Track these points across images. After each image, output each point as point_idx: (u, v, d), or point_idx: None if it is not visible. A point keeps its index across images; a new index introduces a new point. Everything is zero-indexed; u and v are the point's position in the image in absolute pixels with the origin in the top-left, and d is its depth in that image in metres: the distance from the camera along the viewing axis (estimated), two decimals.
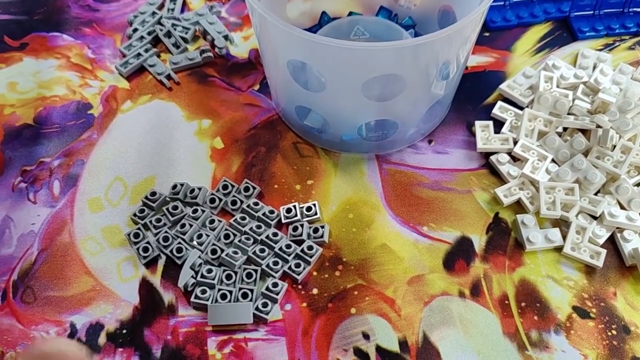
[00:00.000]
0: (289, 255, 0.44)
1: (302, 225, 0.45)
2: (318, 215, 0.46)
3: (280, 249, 0.44)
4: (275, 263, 0.44)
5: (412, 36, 0.52)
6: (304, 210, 0.46)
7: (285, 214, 0.46)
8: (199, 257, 0.44)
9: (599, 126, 0.47)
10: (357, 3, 0.56)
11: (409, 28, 0.54)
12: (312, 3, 0.54)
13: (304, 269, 0.43)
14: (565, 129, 0.49)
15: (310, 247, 0.44)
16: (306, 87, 0.43)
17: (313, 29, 0.54)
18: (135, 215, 0.46)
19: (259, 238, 0.45)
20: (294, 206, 0.46)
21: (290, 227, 0.45)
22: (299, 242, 0.44)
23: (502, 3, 0.57)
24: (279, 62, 0.44)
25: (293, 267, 0.44)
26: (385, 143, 0.48)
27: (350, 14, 0.55)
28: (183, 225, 0.45)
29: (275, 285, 0.42)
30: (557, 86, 0.51)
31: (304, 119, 0.48)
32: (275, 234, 0.45)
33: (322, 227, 0.45)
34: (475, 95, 0.52)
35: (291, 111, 0.48)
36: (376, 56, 0.39)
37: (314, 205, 0.46)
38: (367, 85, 0.41)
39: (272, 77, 0.49)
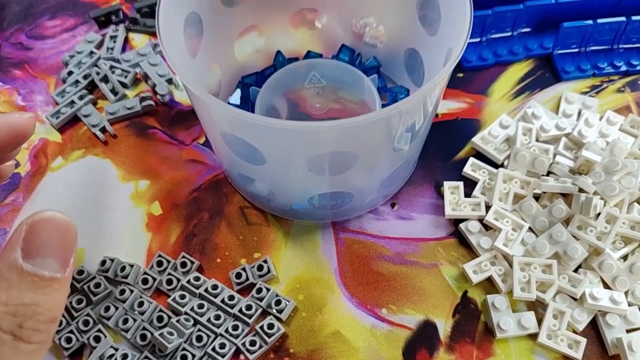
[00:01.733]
0: (249, 318, 0.39)
1: (267, 289, 0.40)
2: (273, 272, 0.41)
3: (241, 310, 0.40)
4: (235, 327, 0.39)
5: (376, 80, 0.47)
6: (255, 270, 0.41)
7: (236, 280, 0.41)
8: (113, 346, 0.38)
9: (581, 190, 0.42)
10: (316, 40, 0.50)
11: (372, 70, 0.48)
12: (266, 39, 0.49)
13: (260, 347, 0.38)
14: (544, 191, 0.44)
15: (270, 326, 0.39)
16: (244, 159, 0.38)
17: (267, 71, 0.49)
18: None
19: (201, 319, 0.40)
20: (244, 269, 0.41)
21: (254, 289, 0.41)
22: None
23: (478, 39, 0.51)
24: (213, 131, 0.39)
25: (248, 344, 0.39)
26: (342, 211, 0.43)
27: (309, 52, 0.50)
28: (107, 308, 0.40)
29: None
30: (537, 139, 0.46)
31: (249, 185, 0.42)
32: (231, 297, 0.40)
33: (288, 301, 0.40)
34: (445, 148, 0.47)
35: (234, 176, 0.43)
36: (318, 136, 0.33)
37: (265, 262, 0.41)
38: (312, 161, 0.36)
39: (210, 139, 0.43)
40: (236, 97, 0.48)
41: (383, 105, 0.46)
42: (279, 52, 0.49)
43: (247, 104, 0.47)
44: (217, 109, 0.33)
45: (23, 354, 0.25)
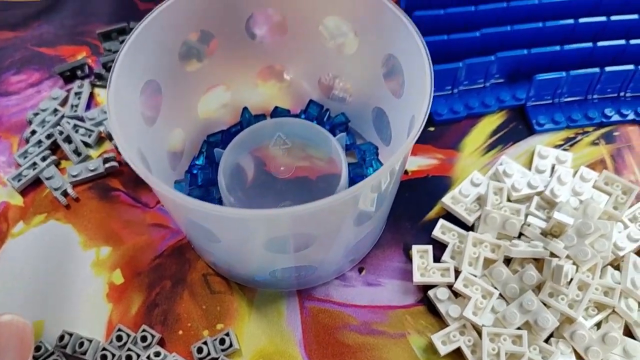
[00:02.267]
0: None
1: None
2: (235, 345, 0.40)
3: None
4: None
5: (344, 139, 0.46)
6: (217, 343, 0.40)
7: (197, 354, 0.40)
8: None
9: (553, 255, 0.41)
10: (284, 95, 0.49)
11: (341, 125, 0.47)
12: (232, 93, 0.48)
13: None
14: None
15: None
16: (201, 237, 0.37)
17: (232, 129, 0.48)
18: None
19: None
20: (205, 343, 0.40)
21: None
22: None
23: (450, 92, 0.50)
24: (167, 207, 0.38)
25: None
26: (307, 279, 0.42)
27: (276, 108, 0.49)
28: None
29: None
30: (508, 199, 0.45)
31: (210, 255, 0.41)
32: None
33: None
34: (415, 208, 0.46)
35: (195, 244, 0.42)
36: (273, 222, 0.32)
37: (227, 335, 0.40)
38: (269, 243, 0.35)
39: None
40: (202, 159, 0.46)
41: (350, 164, 0.45)
42: (245, 109, 0.48)
43: (212, 164, 0.46)
44: (169, 198, 0.32)
45: None
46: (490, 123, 0.50)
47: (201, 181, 0.44)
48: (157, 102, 0.41)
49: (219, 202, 0.43)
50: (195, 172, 0.46)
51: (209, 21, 0.42)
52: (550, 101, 0.50)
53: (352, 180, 0.44)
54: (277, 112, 0.48)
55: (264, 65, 0.47)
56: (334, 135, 0.45)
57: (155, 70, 0.40)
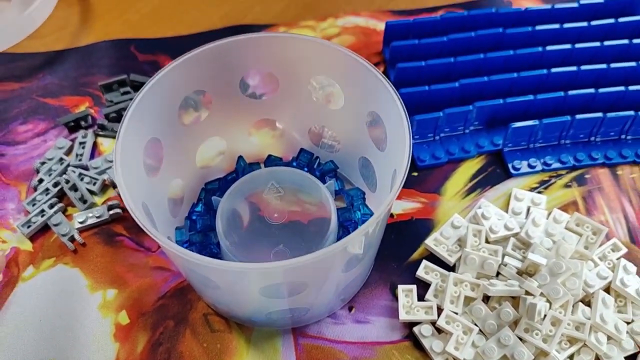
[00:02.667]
0: None
1: None
2: None
3: None
4: None
5: (333, 185, 0.49)
6: None
7: None
8: None
9: (528, 293, 0.44)
10: (277, 143, 0.53)
11: (330, 172, 0.51)
12: (228, 143, 0.51)
13: None
14: None
15: None
16: (201, 283, 0.40)
17: (228, 177, 0.51)
18: None
19: None
20: None
21: None
22: None
23: (431, 139, 0.54)
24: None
25: None
26: (301, 319, 0.45)
27: (269, 157, 0.52)
28: None
29: None
30: (487, 240, 0.48)
31: (209, 299, 0.44)
32: None
33: None
34: (401, 249, 0.49)
35: (196, 288, 0.45)
36: (266, 273, 0.35)
37: None
38: (264, 290, 0.38)
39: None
40: (201, 207, 0.50)
41: (339, 209, 0.48)
42: (240, 157, 0.51)
43: (209, 211, 0.49)
44: (170, 249, 0.35)
45: None
46: (469, 167, 0.53)
47: (200, 227, 0.48)
48: (159, 156, 0.44)
49: (217, 246, 0.47)
50: (194, 218, 0.49)
51: (205, 81, 0.45)
52: (526, 146, 0.54)
53: (342, 224, 0.48)
54: (271, 160, 0.52)
55: (257, 119, 0.51)
56: (324, 181, 0.49)
57: (157, 127, 0.43)
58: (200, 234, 0.47)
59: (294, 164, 0.51)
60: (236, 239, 0.46)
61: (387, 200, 0.36)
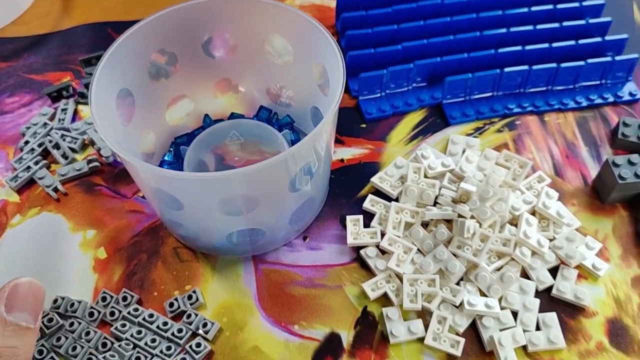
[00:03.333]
0: (180, 339, 0.46)
1: (196, 314, 0.47)
2: (201, 300, 0.48)
3: (173, 334, 0.47)
4: (169, 348, 0.46)
5: (289, 135, 0.55)
6: (186, 299, 0.48)
7: (169, 309, 0.48)
8: None
9: (460, 215, 0.50)
10: (239, 103, 0.58)
11: (287, 125, 0.57)
12: (195, 104, 0.57)
13: None
14: (431, 219, 0.51)
15: (198, 345, 0.46)
16: (167, 206, 0.45)
17: (196, 132, 0.57)
18: None
19: (139, 343, 0.46)
20: (176, 299, 0.48)
21: (185, 315, 0.48)
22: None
23: (379, 94, 0.60)
24: (141, 185, 0.46)
25: None
26: (259, 245, 0.50)
27: (232, 114, 0.58)
28: (59, 339, 0.47)
29: None
30: (425, 176, 0.54)
31: (178, 229, 0.50)
32: (165, 323, 0.47)
33: (212, 323, 0.47)
34: (350, 188, 0.55)
35: (167, 221, 0.51)
36: (221, 183, 0.41)
37: (194, 292, 0.48)
38: (221, 204, 0.44)
39: (142, 191, 0.51)
40: (170, 156, 0.56)
41: None
42: (206, 115, 0.57)
43: (179, 161, 0.55)
44: (138, 166, 0.41)
45: None
46: (412, 119, 0.59)
47: None
48: (131, 107, 0.50)
49: None
50: (164, 166, 0.55)
51: (170, 42, 0.51)
52: (463, 99, 0.60)
53: None
54: (233, 117, 0.58)
55: (219, 79, 0.57)
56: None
57: (127, 80, 0.49)
58: None
59: (255, 119, 0.57)
60: None
61: (324, 119, 0.42)
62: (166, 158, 0.55)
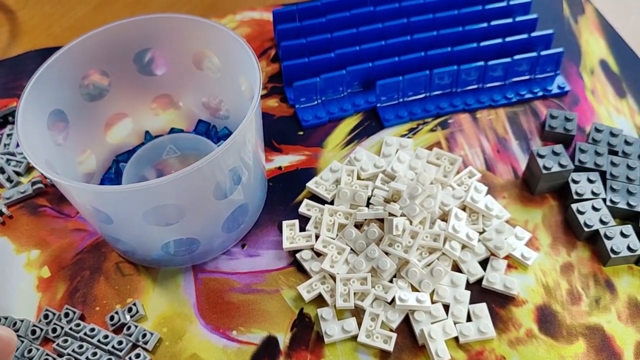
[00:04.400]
0: (121, 352, 0.48)
1: (136, 326, 0.49)
2: (141, 312, 0.50)
3: (113, 346, 0.48)
4: None
5: None
6: (126, 312, 0.50)
7: (110, 322, 0.49)
8: None
9: (391, 214, 0.51)
10: (179, 119, 0.60)
11: (225, 137, 0.58)
12: (135, 123, 0.58)
13: None
14: (365, 219, 0.53)
15: (137, 355, 0.47)
16: (98, 220, 0.47)
17: (137, 149, 0.58)
18: None
19: (81, 358, 0.48)
20: (117, 312, 0.50)
21: (125, 327, 0.49)
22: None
23: (315, 102, 0.61)
24: (73, 202, 0.48)
25: None
26: (197, 255, 0.52)
27: (172, 129, 0.59)
28: None
29: None
30: (359, 178, 0.56)
31: (117, 244, 0.51)
32: (106, 336, 0.48)
33: (152, 334, 0.48)
34: (287, 194, 0.56)
35: (106, 237, 0.52)
36: (137, 194, 0.42)
37: (134, 304, 0.50)
38: (147, 215, 0.45)
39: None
40: (111, 173, 0.57)
41: None
42: (147, 132, 0.59)
43: (118, 177, 0.56)
44: (62, 183, 0.42)
45: None
46: (348, 124, 0.61)
47: None
48: (65, 127, 0.52)
49: None
50: (105, 184, 0.56)
51: (103, 62, 0.53)
52: (396, 101, 0.61)
53: None
54: (173, 132, 0.59)
55: (157, 95, 0.58)
56: None
57: (59, 101, 0.50)
58: None
59: (193, 133, 0.59)
60: None
61: (241, 123, 0.43)
62: (107, 176, 0.57)
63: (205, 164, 0.42)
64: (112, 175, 0.57)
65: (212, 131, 0.59)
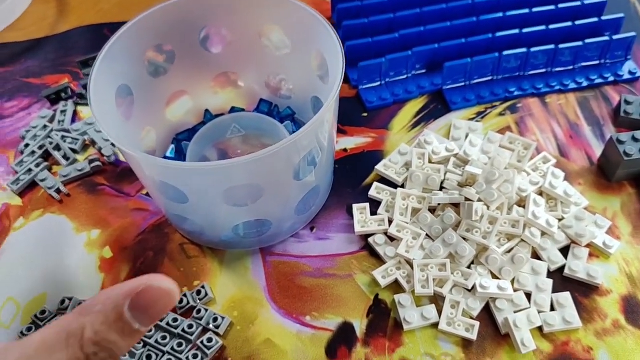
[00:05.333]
0: (191, 335, 0.46)
1: (206, 310, 0.47)
2: (210, 295, 0.48)
3: (183, 330, 0.46)
4: (180, 345, 0.46)
5: (290, 126, 0.55)
6: (195, 294, 0.48)
7: (179, 305, 0.48)
8: None
9: (467, 199, 0.50)
10: (240, 97, 0.58)
11: (288, 117, 0.56)
12: (195, 101, 0.57)
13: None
14: (438, 204, 0.51)
15: (209, 340, 0.46)
16: (171, 199, 0.45)
17: (197, 128, 0.56)
18: (22, 333, 0.47)
19: (150, 341, 0.46)
20: (185, 295, 0.48)
21: (194, 311, 0.47)
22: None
23: (379, 83, 0.59)
24: (145, 180, 0.46)
25: (191, 358, 0.45)
26: (266, 237, 0.50)
27: (233, 108, 0.58)
28: None
29: None
30: (430, 162, 0.54)
31: (184, 224, 0.49)
32: (175, 320, 0.47)
33: (223, 318, 0.47)
34: (354, 177, 0.54)
35: (172, 217, 0.50)
36: (224, 172, 0.41)
37: (203, 287, 0.48)
38: (225, 194, 0.43)
39: (146, 188, 0.50)
40: (172, 152, 0.55)
41: None
42: (207, 111, 0.57)
43: (181, 157, 0.54)
44: (142, 160, 0.40)
45: None
46: (414, 106, 0.59)
47: None
48: (131, 103, 0.50)
49: None
50: None
51: (167, 38, 0.51)
52: (463, 84, 0.60)
53: None
54: (234, 111, 0.57)
55: (218, 73, 0.56)
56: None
57: (126, 77, 0.48)
58: None
59: (255, 112, 0.57)
60: None
61: (325, 105, 0.41)
62: (168, 154, 0.55)
63: (290, 143, 0.40)
64: (173, 154, 0.55)
65: (275, 111, 0.57)
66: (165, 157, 0.55)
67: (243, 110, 0.57)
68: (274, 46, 0.54)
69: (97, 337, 0.30)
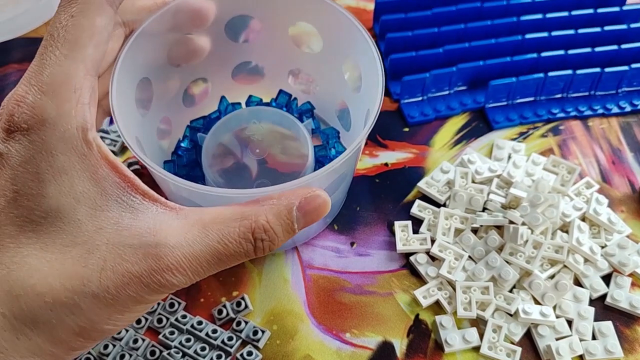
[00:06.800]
0: (231, 348, 0.45)
1: (245, 322, 0.47)
2: (250, 307, 0.48)
3: (223, 342, 0.46)
4: (219, 356, 0.45)
5: (310, 124, 0.53)
6: (234, 306, 0.47)
7: (218, 316, 0.47)
8: None
9: (511, 222, 0.49)
10: (259, 86, 0.56)
11: (307, 112, 0.54)
12: (212, 89, 0.55)
13: None
14: (481, 225, 0.51)
15: (249, 353, 0.45)
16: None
17: (212, 115, 0.54)
18: None
19: (188, 351, 0.46)
20: (224, 306, 0.47)
21: (234, 323, 0.47)
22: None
23: (420, 98, 0.59)
24: (169, 193, 0.46)
25: None
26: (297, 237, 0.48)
27: (250, 97, 0.56)
28: (106, 346, 0.46)
29: None
30: (473, 181, 0.53)
31: None
32: (214, 331, 0.46)
33: (263, 331, 0.46)
34: (395, 193, 0.54)
35: None
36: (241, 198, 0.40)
37: (243, 298, 0.48)
38: None
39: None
40: (186, 142, 0.54)
41: (315, 146, 0.51)
42: (223, 97, 0.55)
43: (195, 147, 0.53)
44: (167, 180, 0.40)
45: (250, 254, 0.35)
46: (455, 123, 0.59)
47: (186, 162, 0.52)
48: (149, 97, 0.49)
49: (202, 179, 0.51)
50: (180, 153, 0.53)
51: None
52: (505, 103, 0.59)
53: (318, 160, 0.51)
54: (251, 100, 0.56)
55: (239, 62, 0.54)
56: (301, 120, 0.53)
57: (148, 69, 0.47)
58: (186, 167, 0.52)
59: (273, 104, 0.55)
60: (220, 173, 0.50)
61: (361, 134, 0.40)
62: (182, 144, 0.54)
63: (324, 174, 0.39)
64: (187, 144, 0.54)
65: (294, 103, 0.55)
66: (179, 146, 0.54)
67: (260, 100, 0.56)
68: (308, 46, 0.52)
69: (267, 225, 0.35)
